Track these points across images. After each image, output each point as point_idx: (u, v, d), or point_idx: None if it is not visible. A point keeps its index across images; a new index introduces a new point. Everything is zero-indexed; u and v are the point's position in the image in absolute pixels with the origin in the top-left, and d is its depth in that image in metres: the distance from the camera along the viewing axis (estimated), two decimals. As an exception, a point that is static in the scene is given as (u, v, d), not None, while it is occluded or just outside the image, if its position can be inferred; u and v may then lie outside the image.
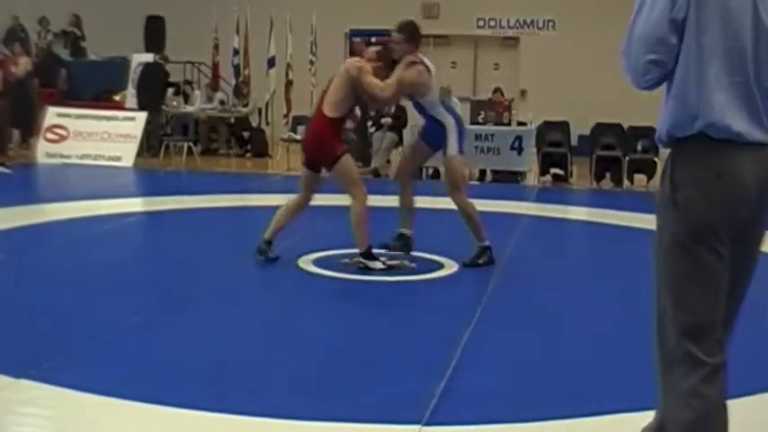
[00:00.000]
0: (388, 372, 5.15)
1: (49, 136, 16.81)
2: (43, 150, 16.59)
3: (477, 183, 15.76)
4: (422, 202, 10.69)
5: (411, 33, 8.27)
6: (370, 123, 16.56)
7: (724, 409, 3.12)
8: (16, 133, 16.58)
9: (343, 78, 7.90)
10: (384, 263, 7.84)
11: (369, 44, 18.90)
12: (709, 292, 3.07)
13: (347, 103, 7.98)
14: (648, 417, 3.52)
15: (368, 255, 7.83)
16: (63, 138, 16.72)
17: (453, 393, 4.71)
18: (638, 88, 3.14)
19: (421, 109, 8.30)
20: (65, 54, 20.93)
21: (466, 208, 8.17)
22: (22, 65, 16.62)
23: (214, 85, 19.87)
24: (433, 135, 8.25)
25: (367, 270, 7.73)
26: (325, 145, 7.90)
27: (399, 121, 16.16)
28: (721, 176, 3.01)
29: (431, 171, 15.94)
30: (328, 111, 7.87)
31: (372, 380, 5.00)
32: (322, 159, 8.03)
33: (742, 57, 3.01)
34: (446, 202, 12.00)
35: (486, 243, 8.14)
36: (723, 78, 3.01)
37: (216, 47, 20.04)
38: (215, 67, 20.20)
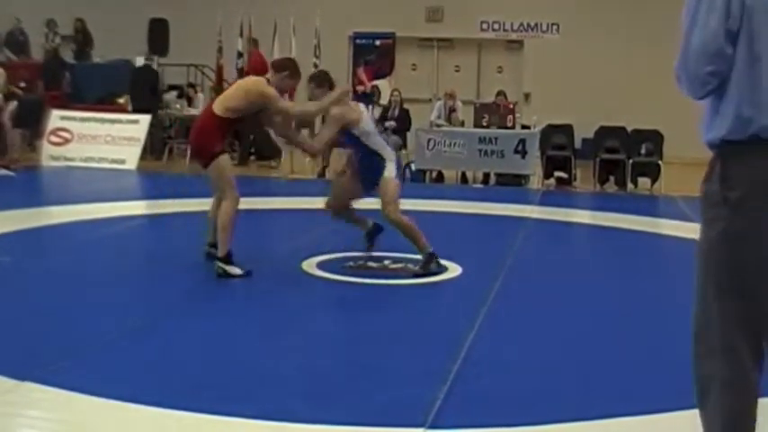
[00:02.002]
0: (391, 375, 5.15)
1: (54, 139, 16.81)
2: (47, 153, 16.60)
3: (481, 186, 15.79)
4: (425, 205, 10.72)
5: (319, 80, 8.43)
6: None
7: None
8: (22, 136, 16.61)
9: (246, 98, 7.79)
10: (243, 270, 7.55)
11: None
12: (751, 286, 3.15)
13: (239, 114, 7.85)
14: (653, 420, 3.52)
15: (226, 259, 7.57)
16: (67, 141, 16.72)
17: (457, 397, 4.71)
18: (696, 98, 3.22)
19: (355, 140, 8.20)
20: (71, 57, 20.94)
21: (400, 222, 8.04)
22: None
23: (218, 88, 19.87)
24: (368, 170, 8.17)
25: (226, 275, 7.49)
26: (206, 141, 7.78)
27: (403, 124, 16.19)
28: None
29: (434, 174, 15.98)
30: (219, 110, 7.77)
31: (376, 383, 4.99)
32: (200, 155, 7.89)
33: None
34: (448, 206, 12.05)
35: (431, 250, 7.98)
36: None
37: (220, 50, 20.05)
38: (219, 69, 20.21)
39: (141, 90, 18.20)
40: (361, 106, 8.49)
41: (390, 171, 8.11)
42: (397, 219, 8.03)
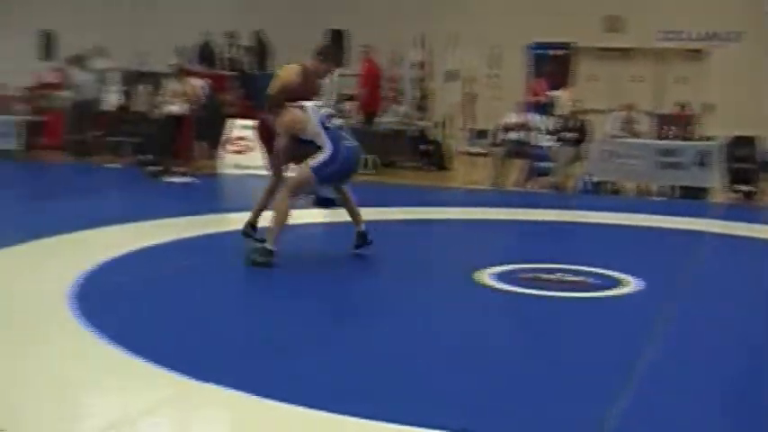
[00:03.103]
0: (558, 392, 5.05)
1: (233, 147, 17.27)
2: (227, 161, 17.04)
3: (663, 199, 15.41)
4: (602, 218, 10.56)
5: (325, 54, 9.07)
6: (549, 137, 16.40)
7: None
8: (204, 145, 17.12)
9: None
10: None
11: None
12: None
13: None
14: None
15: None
16: (247, 149, 17.12)
17: (628, 419, 4.58)
18: None
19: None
20: (250, 68, 21.45)
21: (280, 206, 8.34)
22: (195, 89, 16.83)
23: (395, 99, 20.04)
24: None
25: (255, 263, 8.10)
26: None
27: (581, 136, 15.97)
28: None
29: (612, 186, 15.69)
30: None
31: (546, 398, 4.90)
32: None
33: None
34: (625, 219, 11.80)
35: (274, 249, 8.20)
36: None
37: (397, 60, 20.20)
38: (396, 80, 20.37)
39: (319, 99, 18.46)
40: (309, 108, 8.60)
41: (316, 161, 8.36)
42: (282, 203, 8.36)
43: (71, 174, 18.65)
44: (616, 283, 7.90)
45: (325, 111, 8.75)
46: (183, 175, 15.74)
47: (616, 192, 15.80)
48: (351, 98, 19.43)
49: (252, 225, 8.95)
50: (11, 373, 5.11)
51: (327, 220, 10.18)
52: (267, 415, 4.57)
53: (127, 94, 20.12)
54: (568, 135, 15.80)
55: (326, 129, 8.51)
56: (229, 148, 17.44)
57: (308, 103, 8.63)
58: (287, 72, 8.92)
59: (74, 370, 5.22)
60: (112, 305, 6.74)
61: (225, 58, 21.56)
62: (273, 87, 8.86)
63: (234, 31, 21.82)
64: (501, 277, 7.91)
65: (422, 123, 19.14)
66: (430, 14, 19.92)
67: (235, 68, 21.05)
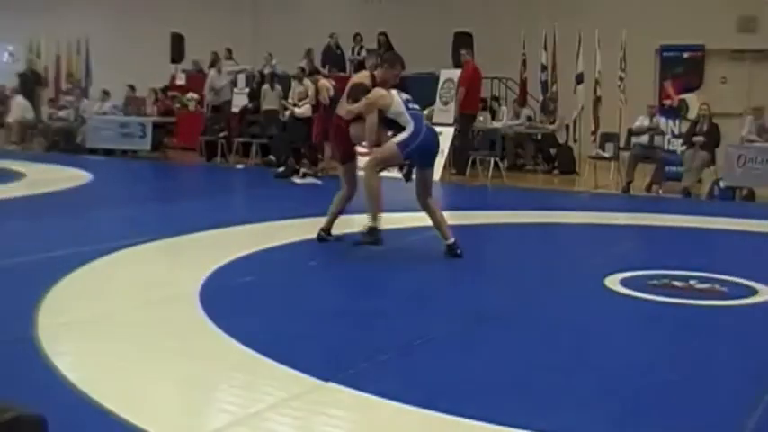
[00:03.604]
0: (696, 399, 4.93)
1: (359, 149, 17.29)
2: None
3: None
4: (733, 224, 10.29)
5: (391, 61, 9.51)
6: (681, 142, 16.08)
7: None
8: (328, 147, 17.22)
9: None
10: None
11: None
12: None
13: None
14: None
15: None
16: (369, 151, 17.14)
17: (764, 430, 4.44)
18: None
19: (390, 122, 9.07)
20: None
21: (370, 183, 9.06)
22: (323, 90, 16.95)
23: (521, 101, 19.93)
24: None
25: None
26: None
27: (712, 140, 15.59)
28: None
29: (744, 192, 15.28)
30: None
31: (681, 406, 4.79)
32: None
33: None
34: (759, 226, 11.49)
35: (378, 225, 8.95)
36: None
37: (524, 63, 20.10)
38: (522, 83, 20.26)
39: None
40: (393, 91, 9.12)
41: (399, 138, 8.89)
42: (367, 173, 9.12)
43: (201, 174, 19.05)
44: (749, 291, 7.68)
45: (405, 95, 9.18)
46: (310, 176, 15.90)
47: (750, 198, 15.36)
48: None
49: (327, 230, 9.52)
50: (144, 370, 5.23)
51: (453, 223, 10.14)
52: (385, 415, 4.58)
53: (252, 96, 20.42)
54: (699, 139, 15.44)
55: (408, 110, 9.00)
56: (356, 149, 17.48)
57: (391, 90, 9.14)
58: (359, 77, 9.58)
59: (203, 367, 5.32)
60: (240, 305, 6.85)
61: (352, 60, 21.71)
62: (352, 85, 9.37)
63: (358, 33, 21.95)
64: (632, 283, 7.77)
65: (548, 126, 18.97)
66: (558, 16, 19.71)
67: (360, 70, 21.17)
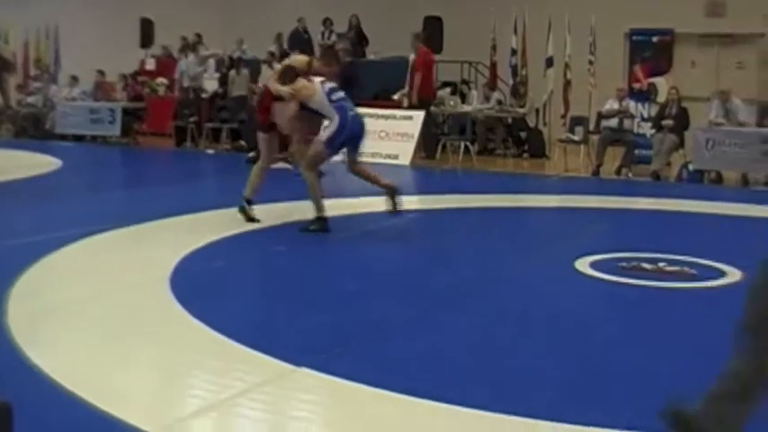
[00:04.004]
0: (660, 382, 4.95)
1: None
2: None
3: (764, 188, 15.07)
4: (703, 207, 10.37)
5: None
6: (650, 125, 16.16)
7: None
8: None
9: None
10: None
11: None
12: None
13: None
14: None
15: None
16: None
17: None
18: None
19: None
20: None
21: (310, 180, 9.28)
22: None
23: (492, 85, 19.93)
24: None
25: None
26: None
27: (681, 123, 15.66)
28: None
29: (713, 175, 15.39)
30: None
31: (643, 390, 4.81)
32: None
33: None
34: (727, 209, 11.59)
35: (324, 215, 9.24)
36: None
37: (494, 47, 20.09)
38: (492, 66, 20.25)
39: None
40: (316, 81, 9.40)
41: (323, 136, 9.39)
42: (305, 172, 9.35)
43: (171, 159, 18.97)
44: (717, 273, 7.74)
45: (329, 85, 9.41)
46: (281, 161, 15.85)
47: (718, 180, 15.46)
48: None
49: (248, 201, 9.75)
50: (115, 356, 5.22)
51: (423, 207, 10.17)
52: (360, 399, 4.60)
53: (222, 81, 20.34)
54: (668, 122, 15.51)
55: (332, 102, 9.26)
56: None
57: (315, 78, 9.40)
58: (296, 60, 9.94)
59: (174, 353, 5.32)
60: (210, 290, 6.85)
61: (322, 45, 21.64)
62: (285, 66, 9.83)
63: (328, 17, 21.87)
64: (601, 266, 7.82)
65: (519, 110, 19.00)
66: (528, 0, 19.73)
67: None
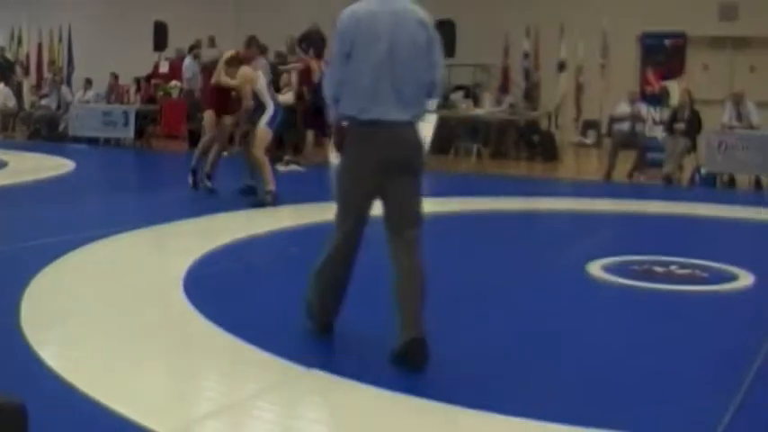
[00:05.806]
0: (676, 385, 4.98)
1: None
2: (334, 151, 17.10)
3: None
4: (715, 210, 10.35)
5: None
6: (662, 128, 16.14)
7: None
8: (310, 134, 17.23)
9: None
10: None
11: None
12: None
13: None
14: None
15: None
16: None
17: (746, 412, 4.49)
18: None
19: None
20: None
21: (259, 159, 10.88)
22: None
23: (504, 89, 19.95)
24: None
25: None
26: None
27: (694, 127, 15.64)
28: None
29: (725, 178, 15.36)
30: None
31: (661, 392, 4.84)
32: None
33: None
34: (740, 212, 11.57)
35: (273, 189, 10.69)
36: None
37: (506, 50, 20.11)
38: (505, 70, 20.27)
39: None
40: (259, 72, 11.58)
41: (263, 122, 11.02)
42: (260, 158, 10.87)
43: (184, 162, 18.98)
44: (730, 277, 7.74)
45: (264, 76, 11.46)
46: (294, 163, 15.90)
47: (731, 184, 15.43)
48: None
49: (209, 176, 11.93)
50: (128, 358, 5.24)
51: (434, 210, 10.11)
52: (369, 402, 4.62)
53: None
54: (681, 126, 15.49)
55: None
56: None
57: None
58: (232, 53, 11.82)
59: (187, 355, 5.34)
60: (223, 292, 6.88)
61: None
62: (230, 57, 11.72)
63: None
64: (613, 269, 7.82)
65: (531, 114, 19.00)
66: (540, 4, 19.74)
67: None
